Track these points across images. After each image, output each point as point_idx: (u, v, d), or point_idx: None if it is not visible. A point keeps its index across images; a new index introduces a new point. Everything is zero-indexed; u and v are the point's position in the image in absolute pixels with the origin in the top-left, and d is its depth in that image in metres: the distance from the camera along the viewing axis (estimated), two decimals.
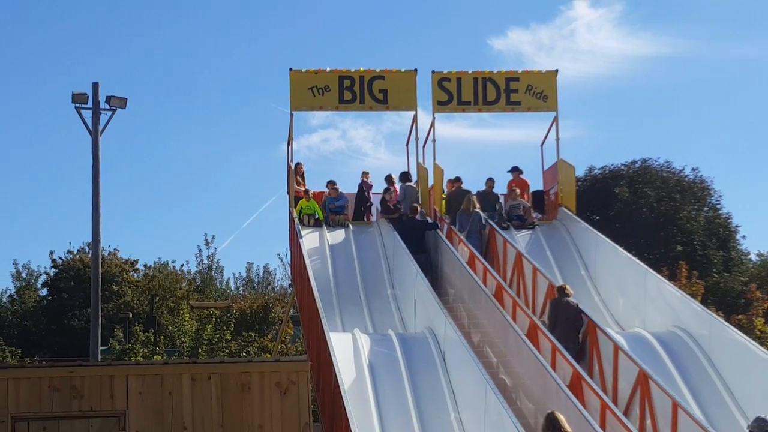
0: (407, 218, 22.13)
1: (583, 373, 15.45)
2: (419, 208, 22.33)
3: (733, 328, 17.19)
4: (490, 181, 23.46)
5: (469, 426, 14.92)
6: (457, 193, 22.88)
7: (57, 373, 11.21)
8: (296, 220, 22.45)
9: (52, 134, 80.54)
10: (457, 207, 22.34)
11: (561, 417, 13.45)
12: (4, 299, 51.90)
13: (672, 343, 17.33)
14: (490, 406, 14.10)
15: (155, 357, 23.20)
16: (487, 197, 22.97)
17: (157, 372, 11.44)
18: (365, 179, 23.82)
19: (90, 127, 26.20)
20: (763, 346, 17.92)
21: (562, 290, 17.79)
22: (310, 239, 22.17)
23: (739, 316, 24.90)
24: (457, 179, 23.44)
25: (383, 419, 15.07)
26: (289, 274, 28.31)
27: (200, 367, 11.74)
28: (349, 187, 23.87)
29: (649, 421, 14.81)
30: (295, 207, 22.86)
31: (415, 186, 23.31)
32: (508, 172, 24.49)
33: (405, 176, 23.47)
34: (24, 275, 53.80)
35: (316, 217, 22.45)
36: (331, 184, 23.30)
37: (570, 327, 17.22)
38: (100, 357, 22.08)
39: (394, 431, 14.96)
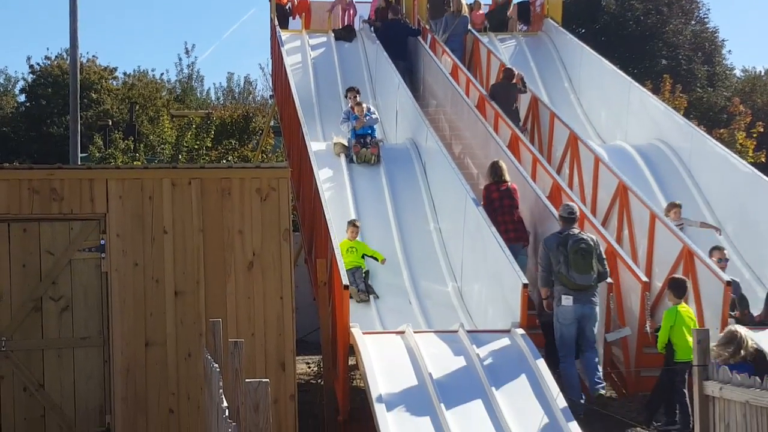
0: (390, 19, 21.94)
1: (563, 185, 15.60)
2: (402, 11, 22.20)
3: (715, 141, 17.32)
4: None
5: (448, 236, 15.12)
6: None
7: (37, 176, 11.19)
8: (277, 28, 22.08)
9: None
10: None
11: (504, 166, 14.28)
12: None
13: (653, 155, 17.46)
14: (469, 217, 14.26)
15: (135, 164, 23.20)
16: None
17: (137, 176, 11.43)
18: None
19: None
20: (744, 159, 18.08)
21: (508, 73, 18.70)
22: (291, 49, 21.96)
23: (721, 131, 25.00)
24: None
25: (363, 228, 15.24)
26: (271, 84, 28.16)
27: (180, 172, 11.72)
28: None
29: (626, 232, 15.05)
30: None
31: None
32: None
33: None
34: (1, 80, 53.41)
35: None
36: (352, 93, 18.44)
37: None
38: (79, 163, 22.06)
39: (374, 240, 15.15)
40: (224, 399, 7.07)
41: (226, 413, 6.53)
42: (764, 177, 15.41)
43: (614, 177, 15.54)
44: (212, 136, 26.81)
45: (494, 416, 10.55)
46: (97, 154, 27.29)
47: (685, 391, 11.38)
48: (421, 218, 15.64)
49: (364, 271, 14.27)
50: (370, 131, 17.17)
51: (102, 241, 11.34)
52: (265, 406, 5.67)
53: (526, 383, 11.16)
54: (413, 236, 15.26)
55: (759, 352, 9.52)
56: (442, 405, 10.58)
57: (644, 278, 13.06)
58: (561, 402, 10.77)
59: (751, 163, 17.94)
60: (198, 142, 26.33)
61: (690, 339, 11.03)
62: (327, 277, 13.02)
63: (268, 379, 5.88)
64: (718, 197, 16.09)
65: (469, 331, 12.14)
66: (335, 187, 16.02)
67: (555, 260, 12.21)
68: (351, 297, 12.72)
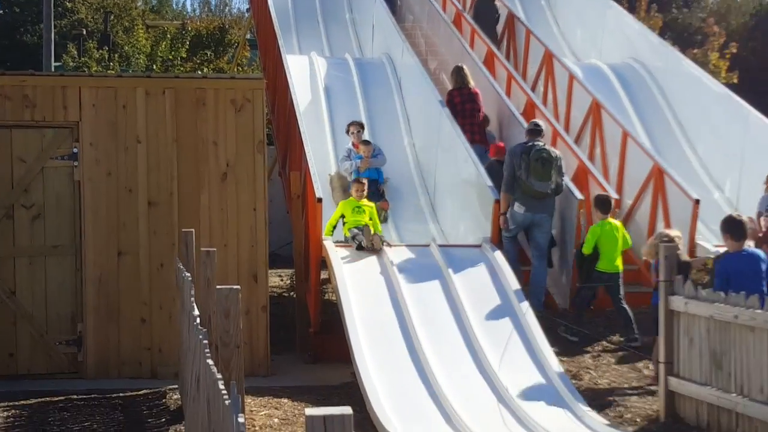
0: None
1: (537, 102, 15.59)
2: None
3: (688, 61, 17.31)
4: None
5: (422, 151, 15.12)
6: None
7: (8, 82, 11.05)
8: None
9: None
10: None
11: (467, 70, 14.55)
12: None
13: (627, 74, 17.45)
14: (443, 132, 14.25)
15: (109, 73, 22.96)
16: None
17: (110, 85, 11.31)
18: None
19: None
20: (717, 79, 18.07)
21: None
22: None
23: (695, 51, 24.94)
24: None
25: (338, 142, 15.21)
26: None
27: (154, 82, 11.61)
28: None
29: (598, 150, 15.09)
30: None
31: None
32: None
33: None
34: None
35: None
36: (355, 128, 14.67)
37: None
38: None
39: None
40: (195, 307, 7.09)
41: (198, 321, 6.56)
42: (736, 98, 15.43)
43: (588, 95, 15.54)
44: (187, 48, 26.55)
45: (464, 329, 10.64)
46: (71, 64, 27.00)
47: (622, 300, 11.79)
48: (396, 133, 15.61)
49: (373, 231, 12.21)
50: (376, 175, 14.13)
51: (75, 150, 11.27)
52: (236, 313, 5.69)
53: (497, 297, 11.26)
54: (387, 151, 15.21)
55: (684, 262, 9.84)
56: (414, 318, 10.66)
57: (615, 195, 13.13)
58: (530, 316, 10.87)
59: (724, 84, 17.95)
60: (173, 53, 26.07)
61: (614, 252, 11.77)
62: (301, 189, 13.01)
63: (239, 286, 5.89)
64: (690, 117, 16.13)
65: (441, 246, 12.21)
66: (311, 101, 15.94)
67: (517, 166, 12.58)
68: (361, 247, 11.82)
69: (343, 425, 2.90)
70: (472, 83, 14.92)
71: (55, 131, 11.25)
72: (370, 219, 12.29)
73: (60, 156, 11.28)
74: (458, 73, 15.02)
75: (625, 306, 11.71)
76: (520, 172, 12.53)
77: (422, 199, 14.44)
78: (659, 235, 10.49)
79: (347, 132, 14.71)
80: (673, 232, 10.42)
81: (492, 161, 13.65)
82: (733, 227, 9.45)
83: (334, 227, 12.30)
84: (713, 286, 9.24)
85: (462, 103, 14.73)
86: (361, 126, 14.76)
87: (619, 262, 11.92)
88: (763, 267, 9.29)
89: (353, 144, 14.41)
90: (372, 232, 11.92)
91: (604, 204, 12.05)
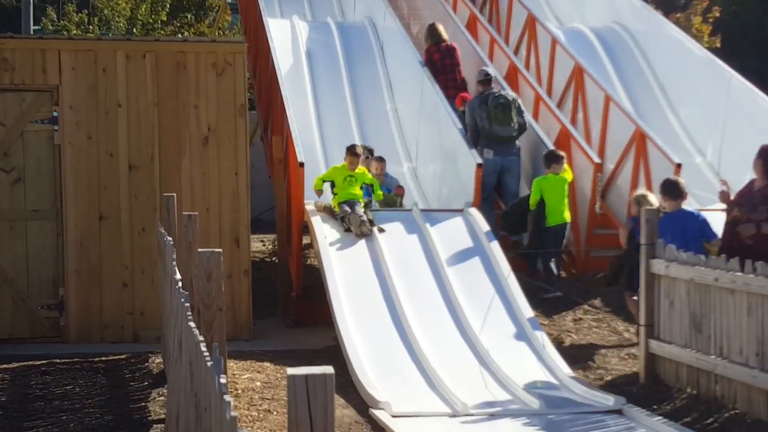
0: None
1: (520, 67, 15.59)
2: None
3: (671, 25, 17.29)
4: None
5: (404, 115, 15.10)
6: None
7: None
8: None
9: None
10: None
11: (441, 27, 14.68)
12: None
13: (609, 38, 17.40)
14: (426, 97, 14.24)
15: (88, 36, 22.80)
16: None
17: (90, 48, 11.24)
18: None
19: None
20: (699, 43, 18.07)
21: None
22: None
23: (678, 15, 24.91)
24: None
25: (320, 107, 15.18)
26: None
27: (135, 45, 11.55)
28: None
29: (581, 114, 15.09)
30: None
31: None
32: None
33: None
34: None
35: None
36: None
37: None
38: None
39: (330, 119, 15.11)
40: (177, 271, 7.09)
41: (180, 284, 6.56)
42: (719, 62, 15.43)
43: (570, 59, 15.52)
44: (168, 11, 26.38)
45: (446, 293, 10.68)
46: (50, 27, 26.81)
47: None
48: (378, 98, 15.57)
49: (363, 203, 11.83)
50: (387, 191, 13.02)
51: (55, 113, 11.22)
52: (218, 276, 5.70)
53: (478, 261, 11.30)
54: (370, 116, 15.22)
55: None
56: (396, 282, 10.69)
57: (597, 159, 13.17)
58: (512, 280, 10.91)
59: (707, 48, 17.95)
60: (153, 17, 25.90)
61: (561, 206, 12.18)
62: (282, 154, 12.99)
63: (220, 249, 5.90)
64: (672, 81, 16.12)
65: (423, 210, 12.22)
66: (292, 65, 15.88)
67: (478, 118, 13.00)
68: (349, 230, 11.44)
69: (325, 384, 2.92)
70: (447, 38, 14.99)
71: (35, 95, 11.19)
72: (361, 188, 11.97)
73: (40, 120, 11.23)
74: (433, 30, 15.09)
75: (562, 257, 12.24)
76: (483, 122, 12.96)
77: (405, 165, 14.44)
78: (637, 196, 10.62)
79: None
80: (651, 197, 10.50)
81: (460, 112, 13.87)
82: (670, 188, 9.99)
83: (324, 182, 12.09)
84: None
85: (441, 59, 14.78)
86: (369, 151, 13.26)
87: (566, 214, 12.25)
88: (698, 225, 9.69)
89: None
90: (359, 220, 11.40)
91: (548, 158, 12.38)
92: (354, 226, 11.42)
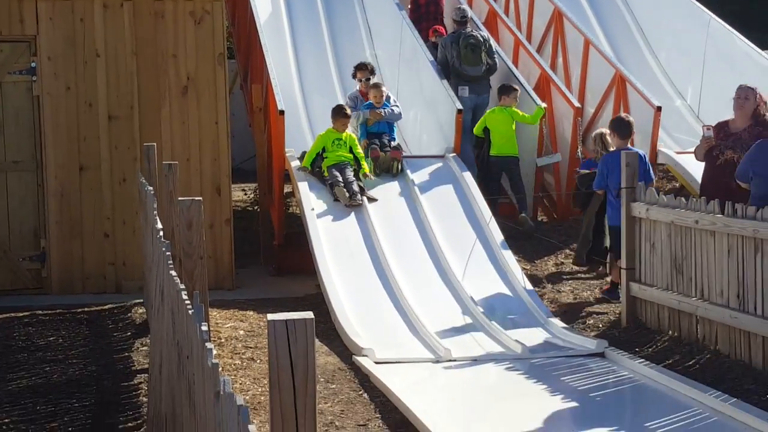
0: None
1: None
2: None
3: None
4: None
5: (384, 61, 14.98)
6: None
7: None
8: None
9: None
10: None
11: None
12: None
13: None
14: (405, 43, 14.15)
15: None
16: None
17: None
18: None
19: None
20: None
21: None
22: None
23: None
24: None
25: (299, 55, 15.07)
26: None
27: None
28: None
29: (560, 59, 15.03)
30: None
31: None
32: None
33: None
34: None
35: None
36: (364, 74, 12.91)
37: None
38: None
39: (310, 67, 15.00)
40: (159, 221, 7.05)
41: (161, 234, 6.52)
42: (698, 4, 15.37)
43: (550, 4, 15.42)
44: None
45: (428, 239, 10.67)
46: None
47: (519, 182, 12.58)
48: (358, 45, 15.45)
49: (353, 168, 11.40)
50: (387, 129, 12.25)
51: (33, 64, 11.09)
52: (198, 224, 5.66)
53: (459, 207, 11.29)
54: (349, 63, 15.06)
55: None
56: (377, 229, 10.67)
57: (577, 104, 13.13)
58: (493, 225, 10.91)
59: None
60: None
61: (504, 138, 12.49)
62: (262, 102, 12.89)
63: (201, 198, 5.85)
64: (652, 25, 16.03)
65: (404, 156, 12.17)
66: (271, 13, 15.72)
67: (450, 56, 13.24)
68: (337, 199, 11.06)
69: (306, 329, 2.89)
70: None
71: (12, 45, 11.05)
72: (350, 152, 11.49)
73: (18, 71, 11.10)
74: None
75: (522, 185, 12.49)
76: (453, 60, 13.19)
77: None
78: (598, 134, 11.03)
79: (353, 77, 13.16)
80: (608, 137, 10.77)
81: (430, 43, 14.14)
82: (620, 126, 10.20)
83: (314, 160, 11.50)
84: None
85: (426, 5, 15.05)
86: (371, 71, 12.99)
87: (513, 148, 12.57)
88: (643, 167, 9.68)
89: (360, 90, 12.75)
90: (346, 194, 10.99)
91: (500, 90, 12.85)
92: (342, 198, 11.01)
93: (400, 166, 11.77)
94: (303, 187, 11.25)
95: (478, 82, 13.28)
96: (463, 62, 13.17)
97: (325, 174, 11.40)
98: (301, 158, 11.84)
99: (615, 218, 9.75)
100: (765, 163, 8.47)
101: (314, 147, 11.67)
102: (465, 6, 14.44)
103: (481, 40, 13.34)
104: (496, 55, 13.49)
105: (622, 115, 10.97)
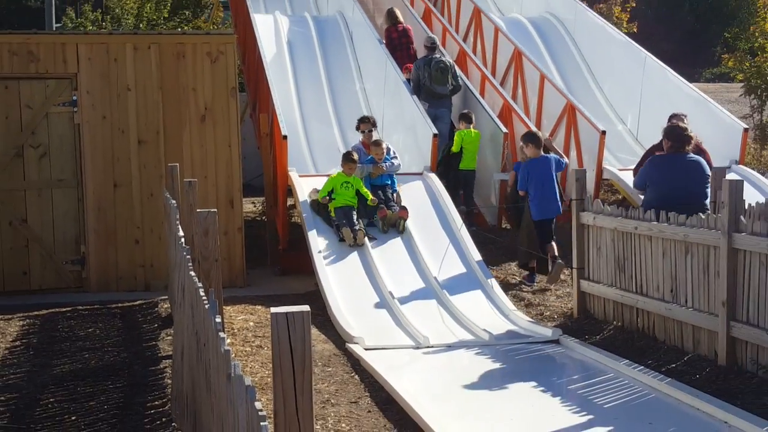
0: None
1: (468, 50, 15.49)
2: None
3: (595, 14, 17.24)
4: None
5: (371, 93, 15.00)
6: None
7: (15, 40, 10.78)
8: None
9: None
10: None
11: (397, 11, 15.01)
12: None
13: (543, 26, 17.34)
14: (389, 78, 14.15)
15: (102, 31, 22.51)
16: None
17: (103, 41, 11.08)
18: None
19: None
20: (619, 29, 18.04)
21: None
22: None
23: (600, 5, 24.79)
24: None
25: (299, 88, 15.06)
26: None
27: (141, 38, 11.38)
28: None
29: (520, 91, 15.05)
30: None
31: None
32: None
33: None
34: None
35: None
36: (366, 126, 12.26)
37: None
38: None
39: (309, 98, 15.00)
40: (180, 229, 7.01)
41: (182, 240, 6.48)
42: (636, 45, 15.42)
43: (511, 45, 15.45)
44: (169, 9, 26.09)
45: (408, 244, 10.65)
46: (70, 24, 26.45)
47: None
48: (349, 79, 15.46)
49: (356, 210, 10.91)
50: (389, 181, 11.61)
51: (74, 97, 11.05)
52: (214, 232, 5.63)
53: (435, 216, 11.27)
54: (342, 94, 15.12)
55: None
56: (365, 238, 10.64)
57: (534, 129, 13.12)
58: (465, 232, 10.89)
59: (625, 33, 17.91)
60: (157, 14, 25.63)
61: (472, 155, 12.86)
62: (269, 129, 12.87)
63: (216, 210, 5.83)
64: (597, 61, 16.10)
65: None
66: (276, 53, 15.72)
67: (422, 76, 13.67)
68: (342, 239, 10.56)
69: (303, 320, 2.88)
70: (403, 20, 15.30)
71: (57, 81, 11.03)
72: (356, 193, 10.96)
73: (62, 103, 11.07)
74: (391, 14, 15.69)
75: (472, 196, 12.94)
76: (425, 80, 13.62)
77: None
78: (525, 135, 11.02)
79: (357, 129, 12.38)
80: (539, 134, 10.97)
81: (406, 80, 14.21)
82: (534, 138, 10.62)
83: (329, 193, 10.91)
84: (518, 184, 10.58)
85: (399, 38, 15.29)
86: (372, 124, 12.23)
87: (474, 163, 12.91)
88: (556, 165, 10.48)
89: (362, 142, 12.05)
90: (352, 236, 10.50)
91: (466, 117, 13.03)
92: (347, 239, 10.52)
93: (404, 225, 10.92)
94: (301, 194, 11.21)
95: (441, 98, 13.66)
96: (433, 82, 13.59)
97: (332, 214, 10.93)
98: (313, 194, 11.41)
99: (536, 214, 10.41)
100: (660, 175, 8.61)
101: (326, 186, 11.07)
102: (433, 35, 14.90)
103: (449, 65, 13.77)
104: (459, 78, 13.92)
105: (533, 129, 11.61)
